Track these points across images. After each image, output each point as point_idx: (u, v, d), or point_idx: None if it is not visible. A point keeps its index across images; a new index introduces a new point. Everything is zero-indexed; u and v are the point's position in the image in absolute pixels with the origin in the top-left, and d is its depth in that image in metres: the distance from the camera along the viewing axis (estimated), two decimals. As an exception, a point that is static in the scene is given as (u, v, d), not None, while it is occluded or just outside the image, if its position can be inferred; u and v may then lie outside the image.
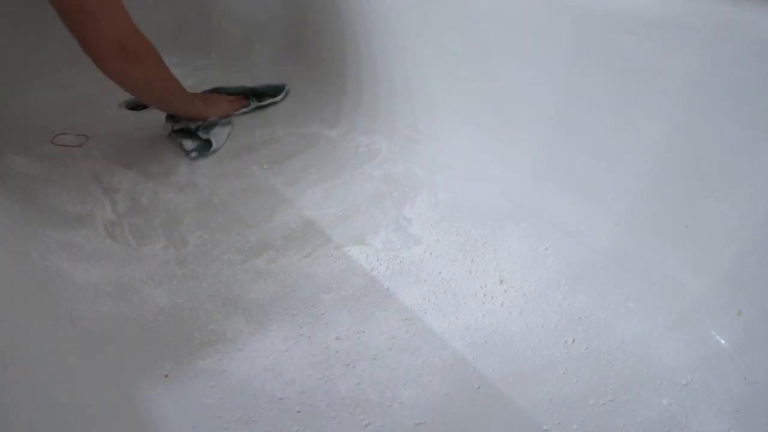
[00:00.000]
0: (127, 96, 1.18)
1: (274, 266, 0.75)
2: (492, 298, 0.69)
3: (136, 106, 1.16)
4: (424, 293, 0.70)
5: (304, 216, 0.84)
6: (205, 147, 0.99)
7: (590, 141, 0.74)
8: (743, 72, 0.57)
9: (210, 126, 1.01)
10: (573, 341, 0.63)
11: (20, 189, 0.86)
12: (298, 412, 0.56)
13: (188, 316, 0.67)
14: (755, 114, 0.57)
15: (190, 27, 1.37)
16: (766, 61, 0.55)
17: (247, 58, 1.31)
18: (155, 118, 1.09)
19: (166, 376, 0.59)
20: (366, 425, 0.55)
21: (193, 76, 1.26)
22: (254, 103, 1.12)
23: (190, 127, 1.01)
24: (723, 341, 0.61)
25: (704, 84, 0.60)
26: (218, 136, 1.01)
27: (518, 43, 0.78)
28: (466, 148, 0.91)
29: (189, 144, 0.99)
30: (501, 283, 0.71)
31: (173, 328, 0.65)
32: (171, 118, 1.02)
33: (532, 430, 0.54)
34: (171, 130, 1.02)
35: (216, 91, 1.16)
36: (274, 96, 1.13)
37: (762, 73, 0.55)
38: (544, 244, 0.76)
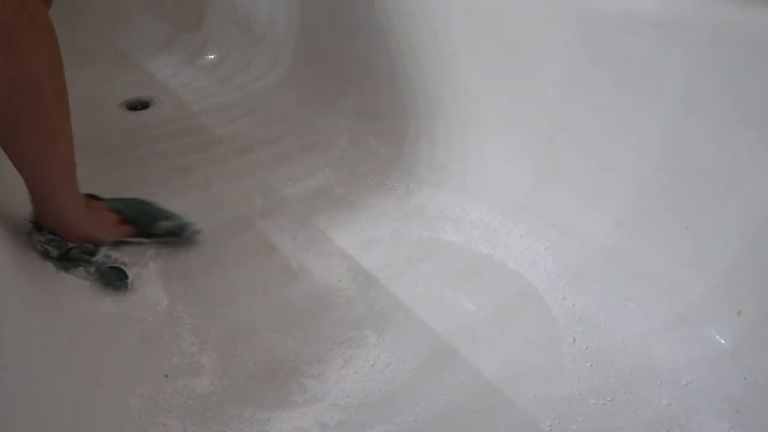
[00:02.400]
0: (127, 96, 1.19)
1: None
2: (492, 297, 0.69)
3: (135, 106, 1.16)
4: (424, 292, 0.70)
5: (302, 213, 0.84)
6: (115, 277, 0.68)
7: (590, 141, 0.74)
8: (743, 72, 0.57)
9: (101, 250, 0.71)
10: (573, 341, 0.63)
11: (20, 189, 0.86)
12: (302, 411, 0.56)
13: (188, 316, 0.67)
14: (755, 114, 0.57)
15: (191, 27, 1.37)
16: (766, 61, 0.55)
17: (248, 58, 1.31)
18: (157, 117, 1.08)
19: (166, 376, 0.59)
20: (367, 426, 0.55)
21: (194, 75, 1.26)
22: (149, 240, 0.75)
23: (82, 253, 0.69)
24: (723, 341, 0.61)
25: (704, 84, 0.60)
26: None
27: (518, 43, 0.78)
28: (466, 148, 0.91)
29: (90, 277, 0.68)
30: (501, 282, 0.71)
31: (173, 328, 0.65)
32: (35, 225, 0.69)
33: (533, 430, 0.54)
34: (37, 241, 0.68)
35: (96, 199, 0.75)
36: (179, 235, 0.76)
37: (762, 73, 0.55)
38: (544, 244, 0.76)
